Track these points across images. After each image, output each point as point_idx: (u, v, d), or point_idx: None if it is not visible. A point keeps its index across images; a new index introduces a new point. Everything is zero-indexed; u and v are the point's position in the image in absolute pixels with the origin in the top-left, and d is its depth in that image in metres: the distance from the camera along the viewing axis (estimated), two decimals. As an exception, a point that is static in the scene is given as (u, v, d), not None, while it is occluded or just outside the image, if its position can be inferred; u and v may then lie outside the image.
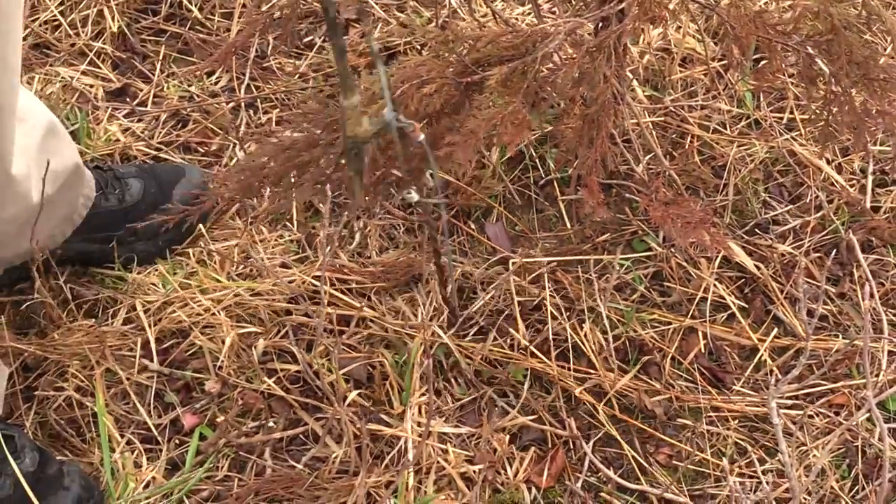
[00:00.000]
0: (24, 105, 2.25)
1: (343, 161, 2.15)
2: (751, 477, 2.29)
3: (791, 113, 2.84)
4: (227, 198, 2.20)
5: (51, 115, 2.35)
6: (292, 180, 2.20)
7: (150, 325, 2.40)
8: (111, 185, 2.51)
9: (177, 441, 2.30)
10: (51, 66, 2.90)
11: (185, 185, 2.54)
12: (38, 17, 2.98)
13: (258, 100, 2.84)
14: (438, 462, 2.25)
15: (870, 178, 2.72)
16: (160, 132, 2.76)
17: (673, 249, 2.55)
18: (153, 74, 2.90)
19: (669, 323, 2.46)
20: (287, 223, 2.60)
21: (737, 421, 2.35)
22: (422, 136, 1.98)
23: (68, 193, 2.39)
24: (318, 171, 2.18)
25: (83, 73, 2.89)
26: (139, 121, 2.79)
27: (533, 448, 2.30)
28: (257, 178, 2.15)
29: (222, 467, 2.26)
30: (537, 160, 2.69)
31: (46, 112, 2.35)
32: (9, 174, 2.19)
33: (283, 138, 2.19)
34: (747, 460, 2.31)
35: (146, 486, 2.22)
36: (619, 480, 2.27)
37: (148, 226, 2.42)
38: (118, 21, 2.97)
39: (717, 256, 2.54)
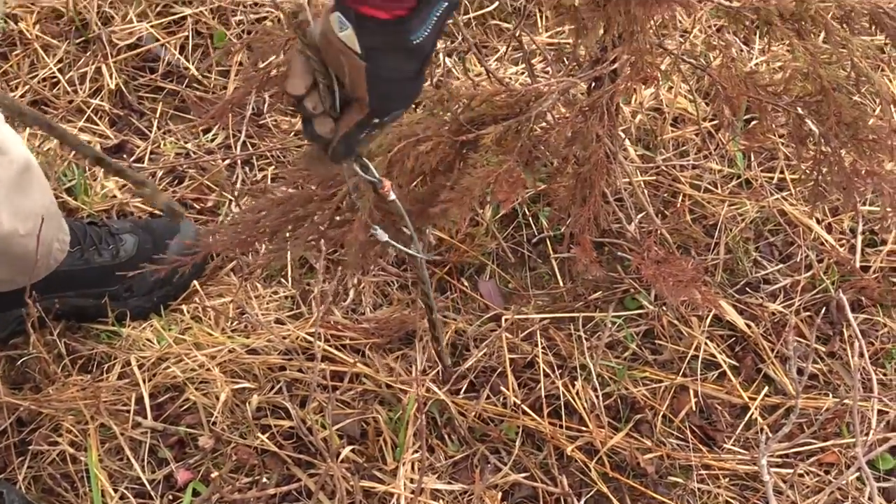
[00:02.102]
0: (3, 138, 2.28)
1: (338, 217, 2.18)
2: (742, 535, 2.30)
3: (781, 173, 2.87)
4: (222, 251, 2.22)
5: (29, 155, 2.36)
6: (287, 235, 2.22)
7: (144, 381, 2.41)
8: (105, 241, 2.52)
9: (170, 496, 2.30)
10: (48, 122, 2.92)
11: (179, 241, 2.56)
12: (37, 75, 3.01)
13: (254, 157, 2.86)
14: (431, 518, 2.26)
15: (859, 237, 2.74)
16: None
17: (664, 307, 2.56)
18: (150, 131, 2.92)
19: (661, 381, 2.47)
20: (282, 279, 2.61)
21: (727, 479, 2.36)
22: (392, 196, 1.99)
23: (30, 242, 2.37)
24: (312, 226, 2.20)
25: (81, 129, 2.91)
26: (136, 178, 2.81)
27: (525, 505, 2.31)
28: (251, 233, 2.17)
29: (215, 523, 2.26)
30: (530, 218, 2.71)
31: (25, 150, 2.36)
32: None
33: (277, 193, 2.21)
34: (738, 518, 2.32)
35: (139, 542, 2.23)
36: (611, 538, 2.28)
37: (141, 281, 2.44)
38: (116, 79, 3.00)
39: (708, 315, 2.56)
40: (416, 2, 1.55)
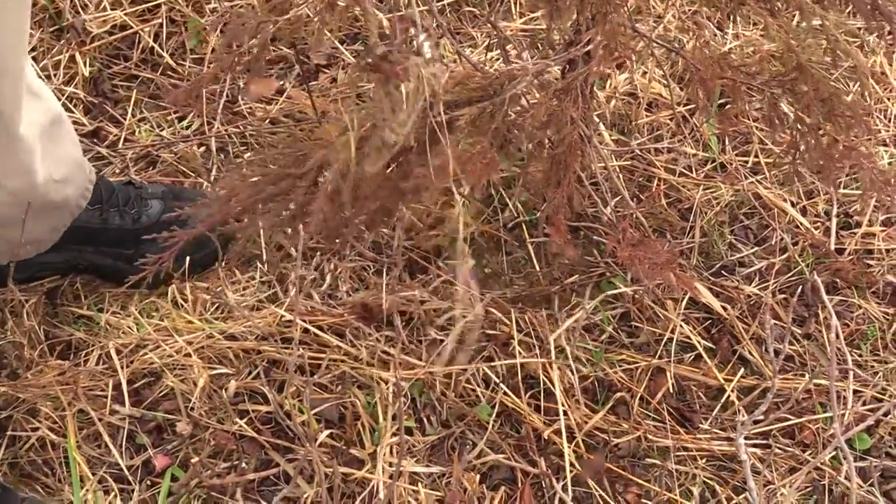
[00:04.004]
0: (40, 86, 2.32)
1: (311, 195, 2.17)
2: (719, 515, 2.31)
3: (756, 157, 2.88)
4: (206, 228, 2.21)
5: (60, 108, 2.40)
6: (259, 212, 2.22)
7: (122, 367, 2.40)
8: (132, 204, 2.54)
9: (149, 482, 2.30)
10: (22, 110, 2.91)
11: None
12: (10, 63, 2.99)
13: (229, 143, 2.85)
14: (410, 502, 2.26)
15: (834, 220, 2.75)
16: (131, 174, 2.77)
17: (640, 291, 2.57)
18: (124, 119, 2.92)
19: (638, 363, 2.48)
20: (258, 264, 2.61)
21: (705, 460, 2.37)
22: None
23: (67, 188, 2.42)
24: (283, 203, 2.20)
25: (55, 117, 2.90)
26: (109, 164, 2.80)
27: (503, 487, 2.31)
28: (223, 214, 2.16)
29: (194, 508, 2.26)
30: (507, 200, 2.72)
31: (57, 104, 2.41)
32: (15, 134, 2.22)
33: (249, 174, 2.20)
34: (716, 499, 2.32)
35: (118, 527, 2.23)
36: (589, 519, 2.29)
37: (158, 250, 2.44)
38: (90, 66, 2.99)
39: (683, 298, 2.57)
40: None
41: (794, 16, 2.27)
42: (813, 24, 2.16)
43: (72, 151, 2.42)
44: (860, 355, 2.55)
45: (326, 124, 2.08)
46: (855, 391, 2.44)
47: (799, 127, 2.28)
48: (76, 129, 2.81)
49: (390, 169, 2.25)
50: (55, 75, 2.98)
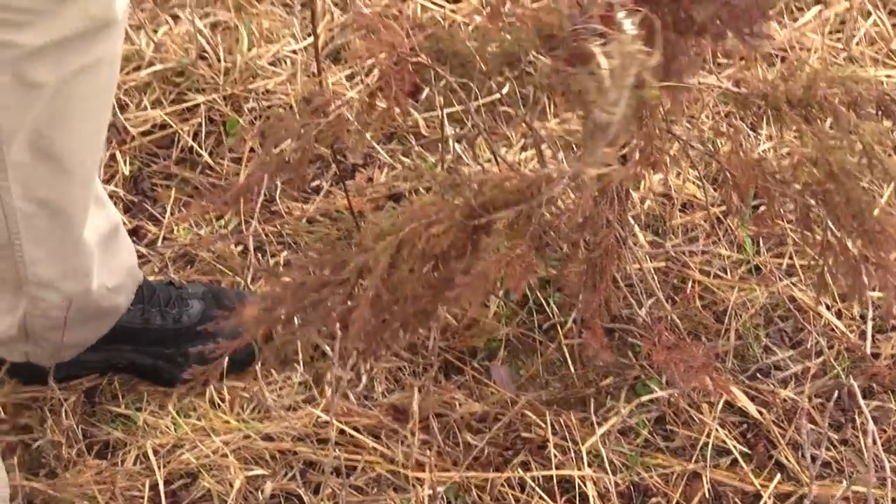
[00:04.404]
0: (103, 194, 2.37)
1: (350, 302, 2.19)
2: None
3: (790, 258, 2.88)
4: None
5: (119, 219, 2.45)
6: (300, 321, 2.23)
7: (159, 467, 2.41)
8: (172, 304, 2.56)
9: (184, 584, 2.30)
10: (62, 208, 2.94)
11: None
12: (52, 161, 3.03)
13: (266, 242, 2.88)
14: None
15: (870, 324, 2.74)
16: (170, 273, 2.80)
17: (676, 394, 2.57)
18: (163, 217, 2.95)
19: (673, 467, 2.47)
20: (294, 364, 2.62)
21: (742, 568, 2.36)
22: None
23: (119, 297, 2.46)
24: (325, 310, 2.21)
25: (95, 215, 2.93)
26: (148, 262, 2.83)
27: None
28: (271, 322, 2.18)
29: None
30: (543, 302, 2.73)
31: (117, 214, 2.46)
32: (79, 238, 2.26)
33: (291, 278, 2.22)
34: None
35: None
36: None
37: (199, 352, 2.46)
38: (130, 165, 3.03)
39: (719, 401, 2.56)
40: None
41: (827, 119, 2.28)
42: (847, 131, 2.17)
43: (127, 260, 2.46)
44: (898, 461, 2.54)
45: (363, 228, 2.10)
46: (893, 499, 2.42)
47: (829, 238, 2.27)
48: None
49: (427, 269, 2.27)
50: (96, 174, 3.02)
